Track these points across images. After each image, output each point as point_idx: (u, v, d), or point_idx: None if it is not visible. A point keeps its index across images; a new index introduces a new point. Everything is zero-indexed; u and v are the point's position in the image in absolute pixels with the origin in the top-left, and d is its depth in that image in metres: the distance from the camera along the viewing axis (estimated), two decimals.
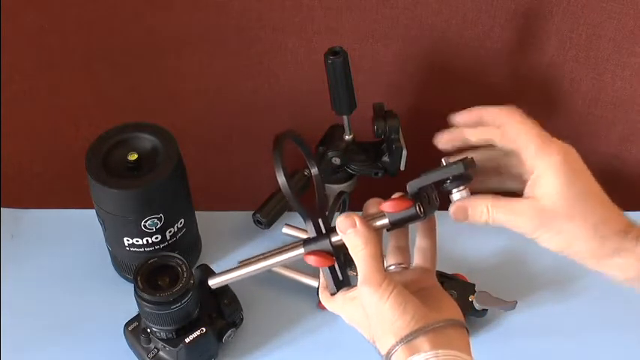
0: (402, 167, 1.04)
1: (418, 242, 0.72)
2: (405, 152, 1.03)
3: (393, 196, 0.68)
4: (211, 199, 1.12)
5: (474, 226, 1.10)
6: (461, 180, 0.67)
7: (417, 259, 0.72)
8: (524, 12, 1.08)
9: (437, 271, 0.97)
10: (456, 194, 0.67)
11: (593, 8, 1.06)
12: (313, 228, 0.69)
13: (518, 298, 0.96)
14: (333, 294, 0.70)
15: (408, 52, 1.14)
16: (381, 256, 0.66)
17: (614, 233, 0.67)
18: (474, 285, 0.96)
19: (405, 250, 0.72)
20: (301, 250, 0.70)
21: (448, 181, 0.67)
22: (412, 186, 0.66)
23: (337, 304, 0.70)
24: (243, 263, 0.73)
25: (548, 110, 1.20)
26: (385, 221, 0.67)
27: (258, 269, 0.73)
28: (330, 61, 0.95)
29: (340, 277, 0.70)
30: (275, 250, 0.73)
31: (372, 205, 0.71)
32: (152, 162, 0.93)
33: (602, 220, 0.67)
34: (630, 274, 0.68)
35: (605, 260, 0.68)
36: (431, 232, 0.72)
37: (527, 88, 1.17)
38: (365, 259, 0.65)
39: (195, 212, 1.02)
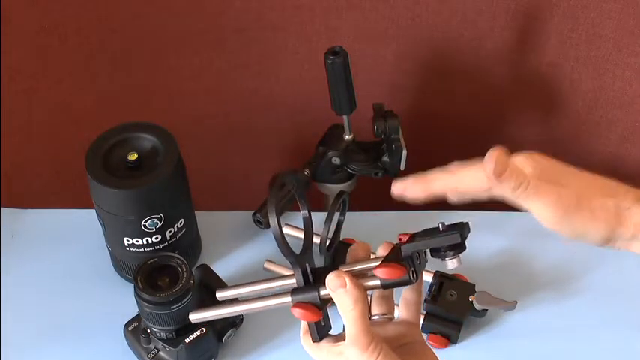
0: (402, 167, 1.05)
1: (404, 293, 0.71)
2: (405, 152, 1.03)
3: (385, 258, 0.66)
4: (211, 199, 1.12)
5: (473, 226, 1.11)
6: (456, 249, 0.66)
7: (402, 312, 0.72)
8: (525, 12, 1.08)
9: (437, 272, 0.97)
10: (449, 262, 0.67)
11: (593, 8, 1.06)
12: (301, 275, 0.69)
13: (518, 298, 0.96)
14: (315, 341, 0.70)
15: (408, 52, 1.14)
16: (367, 314, 0.66)
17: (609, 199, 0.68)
18: (473, 285, 0.96)
19: (389, 299, 0.72)
20: (288, 299, 0.69)
21: (442, 249, 0.67)
22: (406, 249, 0.66)
23: (322, 353, 0.69)
24: (226, 301, 0.71)
25: (548, 110, 1.20)
26: (377, 282, 0.67)
27: (240, 311, 0.72)
28: (330, 61, 0.95)
29: (323, 324, 0.70)
30: (262, 282, 0.71)
31: (361, 250, 0.71)
32: (152, 162, 0.93)
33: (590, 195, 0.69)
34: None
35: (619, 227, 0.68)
36: (418, 286, 0.72)
37: (527, 88, 1.17)
38: (354, 319, 0.65)
39: (195, 212, 1.02)
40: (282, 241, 0.65)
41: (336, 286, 0.66)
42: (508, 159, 0.66)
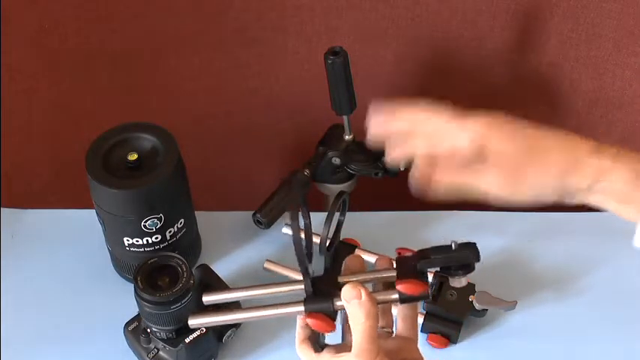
0: (402, 167, 1.04)
1: (401, 309, 0.72)
2: None
3: (401, 274, 0.67)
4: (211, 199, 1.12)
5: (474, 226, 1.11)
6: (465, 269, 0.68)
7: (400, 327, 0.72)
8: (525, 12, 1.08)
9: (437, 272, 0.97)
10: (457, 280, 0.68)
11: (593, 8, 1.06)
12: (310, 284, 0.68)
13: (519, 298, 0.96)
14: (317, 351, 0.69)
15: (408, 52, 1.14)
16: (377, 328, 0.66)
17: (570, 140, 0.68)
18: (473, 285, 0.96)
19: (389, 313, 0.73)
20: (301, 308, 0.69)
21: (452, 267, 0.68)
22: (422, 266, 0.67)
23: None
24: (232, 307, 0.71)
25: (548, 110, 1.20)
26: (394, 297, 0.67)
27: (247, 318, 0.71)
28: (330, 61, 0.95)
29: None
30: (272, 286, 0.71)
31: (356, 262, 0.72)
32: (152, 162, 0.93)
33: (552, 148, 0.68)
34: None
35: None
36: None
37: (527, 88, 1.17)
38: (363, 332, 0.65)
39: (195, 212, 1.02)
40: (300, 250, 0.65)
41: (351, 297, 0.66)
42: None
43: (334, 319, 0.68)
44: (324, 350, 0.69)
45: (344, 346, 0.68)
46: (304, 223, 0.72)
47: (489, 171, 0.69)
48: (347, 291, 0.66)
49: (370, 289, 0.66)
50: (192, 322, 0.71)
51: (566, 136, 0.70)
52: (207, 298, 0.72)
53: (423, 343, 0.94)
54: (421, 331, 0.94)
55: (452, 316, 0.95)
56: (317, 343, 0.70)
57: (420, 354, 0.70)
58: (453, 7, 1.08)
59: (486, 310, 0.96)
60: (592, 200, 0.68)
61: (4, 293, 1.01)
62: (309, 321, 0.67)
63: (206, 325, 0.71)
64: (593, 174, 0.67)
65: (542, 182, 0.68)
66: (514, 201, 0.69)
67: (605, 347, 0.96)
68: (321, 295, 0.68)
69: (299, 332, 0.70)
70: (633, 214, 0.67)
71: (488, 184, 0.70)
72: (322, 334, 0.70)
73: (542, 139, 0.69)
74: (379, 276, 0.70)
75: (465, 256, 0.66)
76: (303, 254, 0.66)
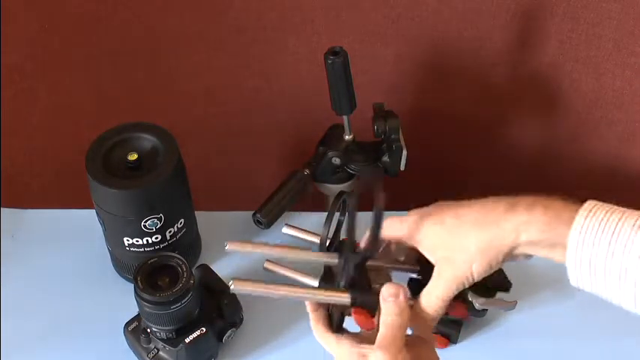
0: (402, 167, 1.04)
1: None
2: (405, 152, 1.03)
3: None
4: (211, 199, 1.12)
5: None
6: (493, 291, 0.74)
7: (417, 329, 0.72)
8: (525, 12, 1.08)
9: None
10: (476, 303, 0.74)
11: (593, 8, 1.06)
12: (352, 271, 0.70)
13: (519, 298, 0.96)
14: (335, 332, 0.70)
15: (408, 52, 1.14)
16: (406, 327, 0.68)
17: (491, 204, 0.70)
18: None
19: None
20: (346, 301, 0.69)
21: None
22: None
23: (340, 351, 0.69)
24: (274, 284, 0.70)
25: (548, 110, 1.20)
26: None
27: (290, 294, 0.71)
28: (330, 61, 0.95)
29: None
30: (281, 287, 0.71)
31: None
32: (152, 162, 0.93)
33: (471, 211, 0.70)
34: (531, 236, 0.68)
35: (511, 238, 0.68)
36: None
37: (527, 88, 1.17)
38: (392, 326, 0.66)
39: (195, 212, 1.02)
40: (351, 232, 0.69)
41: (389, 295, 0.68)
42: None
43: (374, 316, 0.69)
44: (345, 338, 0.69)
45: (363, 338, 0.69)
46: (349, 210, 0.74)
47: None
48: (387, 288, 0.68)
49: None
50: (235, 287, 0.69)
51: (484, 204, 0.71)
52: (237, 288, 0.69)
53: None
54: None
55: (452, 316, 0.95)
56: (331, 325, 0.70)
57: (436, 355, 0.71)
58: (453, 7, 1.08)
59: (486, 310, 0.96)
60: (524, 252, 0.69)
61: (4, 293, 1.01)
62: (355, 317, 0.69)
63: (247, 293, 0.70)
64: (512, 232, 0.68)
65: (473, 264, 0.70)
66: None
67: (606, 347, 0.96)
68: (363, 287, 0.70)
69: (313, 316, 0.71)
70: (560, 256, 0.68)
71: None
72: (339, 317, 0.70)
73: (458, 226, 0.71)
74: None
75: (500, 280, 0.72)
76: (353, 238, 0.69)
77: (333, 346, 0.70)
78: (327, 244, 0.97)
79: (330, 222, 0.94)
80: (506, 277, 0.75)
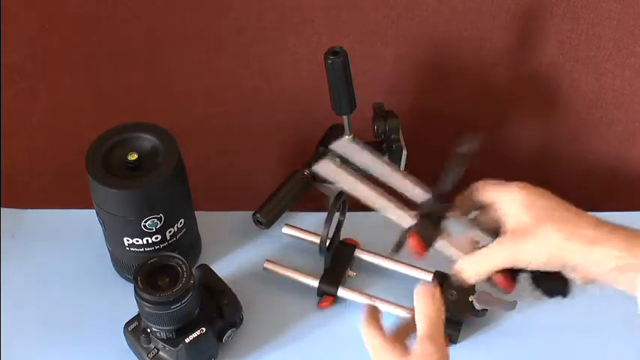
0: (402, 167, 1.04)
1: None
2: (405, 152, 1.03)
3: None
4: (211, 199, 1.12)
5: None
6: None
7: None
8: (525, 12, 1.08)
9: (437, 272, 0.97)
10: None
11: (593, 8, 1.06)
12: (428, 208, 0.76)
13: (518, 298, 0.96)
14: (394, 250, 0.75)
15: (408, 52, 1.14)
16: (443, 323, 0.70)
17: (586, 226, 0.69)
18: (474, 285, 0.96)
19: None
20: (409, 221, 0.75)
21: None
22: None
23: (394, 353, 0.69)
24: (358, 181, 0.77)
25: (548, 110, 1.20)
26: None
27: (364, 195, 0.77)
28: (330, 61, 0.95)
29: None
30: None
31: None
32: (152, 162, 0.93)
33: (569, 218, 0.70)
34: (609, 265, 0.68)
35: (586, 255, 0.69)
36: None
37: (527, 88, 1.17)
38: (438, 318, 0.69)
39: (195, 212, 1.02)
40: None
41: (423, 296, 0.70)
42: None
43: (425, 249, 0.75)
44: (388, 341, 0.70)
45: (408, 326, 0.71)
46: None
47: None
48: (420, 291, 0.70)
49: None
50: (318, 167, 0.77)
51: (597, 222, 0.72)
52: (319, 167, 0.76)
53: None
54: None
55: (452, 316, 0.95)
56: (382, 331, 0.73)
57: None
58: (453, 7, 1.08)
59: (486, 310, 0.96)
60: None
61: (4, 293, 1.01)
62: (409, 239, 0.75)
63: (328, 177, 0.78)
64: (595, 262, 0.69)
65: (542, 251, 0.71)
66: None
67: (606, 347, 0.96)
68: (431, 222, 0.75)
69: (366, 314, 0.72)
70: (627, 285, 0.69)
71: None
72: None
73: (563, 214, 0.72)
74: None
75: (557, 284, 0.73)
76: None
77: (378, 350, 0.70)
78: (327, 244, 0.97)
79: (330, 222, 0.95)
80: (566, 286, 0.74)
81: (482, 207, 0.76)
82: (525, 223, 0.70)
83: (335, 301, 1.00)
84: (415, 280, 0.99)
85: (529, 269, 0.72)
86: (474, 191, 0.75)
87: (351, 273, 1.02)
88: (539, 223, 0.70)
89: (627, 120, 1.17)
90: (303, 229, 1.05)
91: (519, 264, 0.71)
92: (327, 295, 1.00)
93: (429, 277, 0.97)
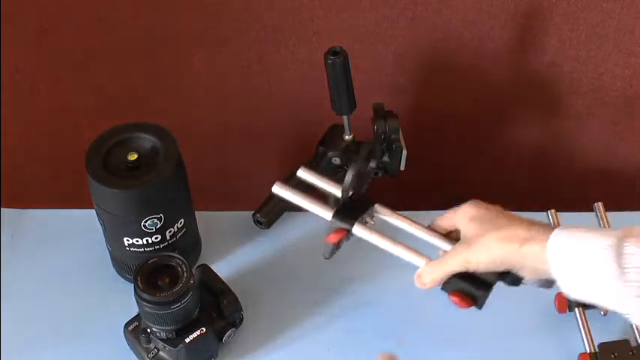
0: (402, 167, 1.04)
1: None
2: (405, 152, 1.03)
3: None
4: (211, 199, 1.12)
5: None
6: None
7: None
8: (525, 12, 1.08)
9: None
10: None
11: (593, 8, 1.06)
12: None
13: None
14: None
15: (408, 52, 1.14)
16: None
17: (519, 228, 0.78)
18: None
19: None
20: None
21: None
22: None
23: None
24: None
25: (548, 110, 1.20)
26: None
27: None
28: (330, 61, 0.95)
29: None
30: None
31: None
32: (152, 162, 0.93)
33: (505, 224, 0.79)
34: (539, 258, 0.75)
35: (522, 253, 0.76)
36: None
37: (527, 88, 1.18)
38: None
39: (195, 212, 1.02)
40: None
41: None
42: None
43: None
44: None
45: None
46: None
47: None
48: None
49: None
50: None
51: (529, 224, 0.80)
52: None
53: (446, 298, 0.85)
54: (442, 288, 0.84)
55: (484, 276, 0.82)
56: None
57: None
58: (453, 7, 1.08)
59: (521, 279, 0.82)
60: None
61: (4, 293, 1.01)
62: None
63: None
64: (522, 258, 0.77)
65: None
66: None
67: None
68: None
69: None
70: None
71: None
72: None
73: (493, 223, 0.81)
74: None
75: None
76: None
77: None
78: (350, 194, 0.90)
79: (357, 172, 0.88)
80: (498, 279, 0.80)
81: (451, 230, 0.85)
82: (472, 233, 0.80)
83: (346, 237, 0.87)
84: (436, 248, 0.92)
85: (479, 272, 0.79)
86: (439, 223, 0.85)
87: (369, 220, 0.90)
88: (481, 232, 0.79)
89: (627, 120, 1.18)
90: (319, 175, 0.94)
91: (470, 267, 0.79)
92: (340, 229, 0.86)
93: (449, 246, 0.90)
